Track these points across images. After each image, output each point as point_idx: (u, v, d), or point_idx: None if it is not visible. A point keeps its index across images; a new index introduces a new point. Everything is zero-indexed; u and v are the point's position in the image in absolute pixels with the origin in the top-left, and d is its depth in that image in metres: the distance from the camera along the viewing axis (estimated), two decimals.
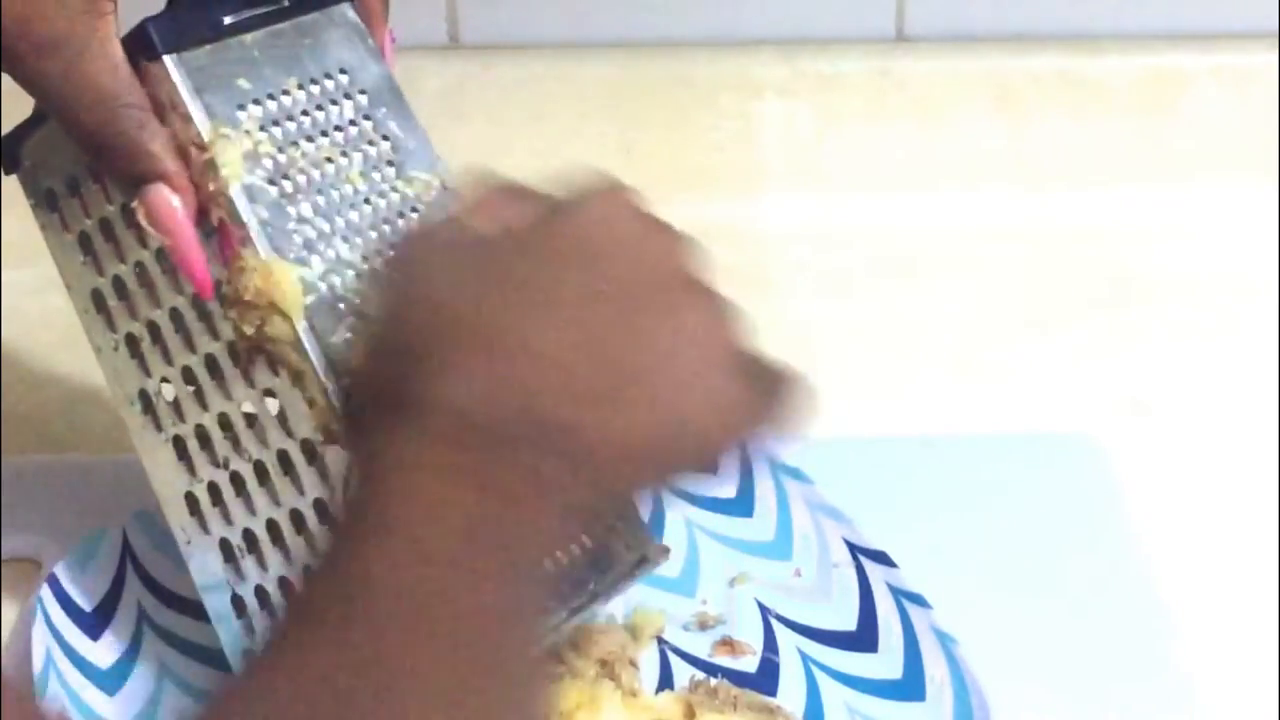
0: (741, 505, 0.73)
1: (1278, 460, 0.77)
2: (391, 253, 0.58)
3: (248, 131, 0.59)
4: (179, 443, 0.63)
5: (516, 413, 0.49)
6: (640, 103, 0.96)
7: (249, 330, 0.59)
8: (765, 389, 0.55)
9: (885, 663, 0.67)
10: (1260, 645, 0.68)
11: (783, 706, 0.65)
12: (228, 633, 0.64)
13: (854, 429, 0.79)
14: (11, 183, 0.93)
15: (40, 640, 0.66)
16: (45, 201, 0.64)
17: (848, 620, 0.69)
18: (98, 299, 0.64)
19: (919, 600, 0.67)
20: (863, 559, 0.70)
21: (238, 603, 0.63)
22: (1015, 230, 0.94)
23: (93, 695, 0.66)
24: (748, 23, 0.98)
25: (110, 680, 0.67)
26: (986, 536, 0.73)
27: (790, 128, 0.97)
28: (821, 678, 0.67)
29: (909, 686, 0.66)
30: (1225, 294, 0.89)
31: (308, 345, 0.59)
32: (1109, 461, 0.77)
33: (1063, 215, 0.95)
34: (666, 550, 0.64)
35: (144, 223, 0.59)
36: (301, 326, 0.59)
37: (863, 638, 0.68)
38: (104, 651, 0.68)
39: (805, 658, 0.68)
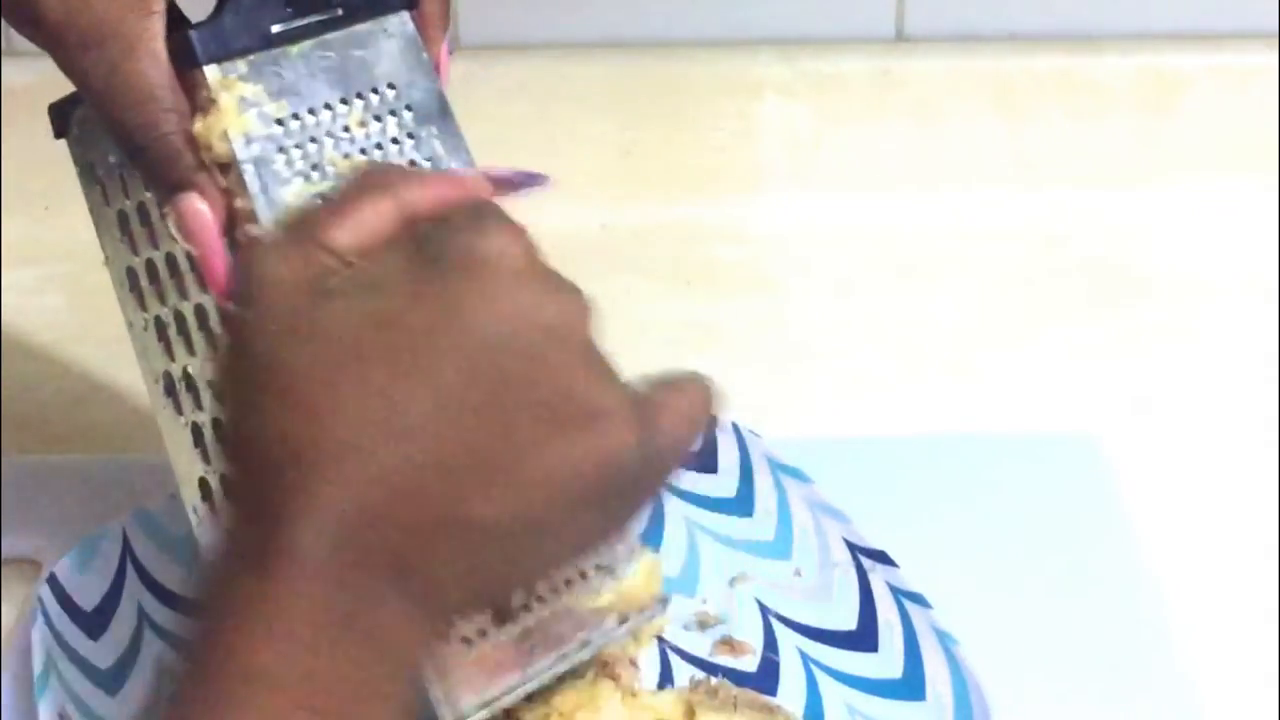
0: (741, 505, 0.73)
1: (1278, 460, 0.77)
2: (249, 262, 0.51)
3: (281, 149, 0.58)
4: (196, 430, 0.63)
5: (359, 558, 0.46)
6: (640, 103, 0.96)
7: None
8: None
9: (885, 663, 0.67)
10: (1260, 645, 0.68)
11: (783, 706, 0.65)
12: None
13: (854, 429, 0.79)
14: (11, 183, 0.93)
15: (40, 640, 0.66)
16: (89, 173, 0.64)
17: (848, 620, 0.69)
18: (131, 277, 0.63)
19: (919, 600, 0.67)
20: (863, 559, 0.69)
21: None
22: (1015, 230, 0.94)
23: (93, 695, 0.66)
24: (748, 23, 0.98)
25: (110, 680, 0.67)
26: (986, 536, 0.73)
27: (790, 128, 0.97)
28: (821, 677, 0.67)
29: (909, 686, 0.66)
30: (1225, 294, 0.89)
31: None
32: (1109, 461, 0.77)
33: (1063, 215, 0.95)
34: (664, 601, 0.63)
35: (174, 230, 0.58)
36: None
37: (863, 637, 0.68)
38: (104, 651, 0.68)
39: (805, 657, 0.68)
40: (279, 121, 0.58)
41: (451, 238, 0.49)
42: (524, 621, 0.59)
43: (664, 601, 0.62)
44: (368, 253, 0.49)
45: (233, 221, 0.58)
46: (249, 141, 0.58)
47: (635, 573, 0.61)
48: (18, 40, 0.90)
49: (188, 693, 0.46)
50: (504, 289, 0.48)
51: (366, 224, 0.50)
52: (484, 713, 0.58)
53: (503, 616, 0.57)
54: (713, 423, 0.51)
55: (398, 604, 0.46)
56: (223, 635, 0.46)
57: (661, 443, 0.50)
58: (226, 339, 0.50)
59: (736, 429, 0.74)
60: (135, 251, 0.63)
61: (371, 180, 0.51)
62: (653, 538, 0.70)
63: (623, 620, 0.60)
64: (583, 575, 0.60)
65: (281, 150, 0.58)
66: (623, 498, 0.50)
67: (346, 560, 0.46)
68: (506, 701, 0.59)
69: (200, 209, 0.57)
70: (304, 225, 0.50)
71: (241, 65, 0.58)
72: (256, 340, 0.48)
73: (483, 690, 0.57)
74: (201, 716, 0.45)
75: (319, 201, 0.52)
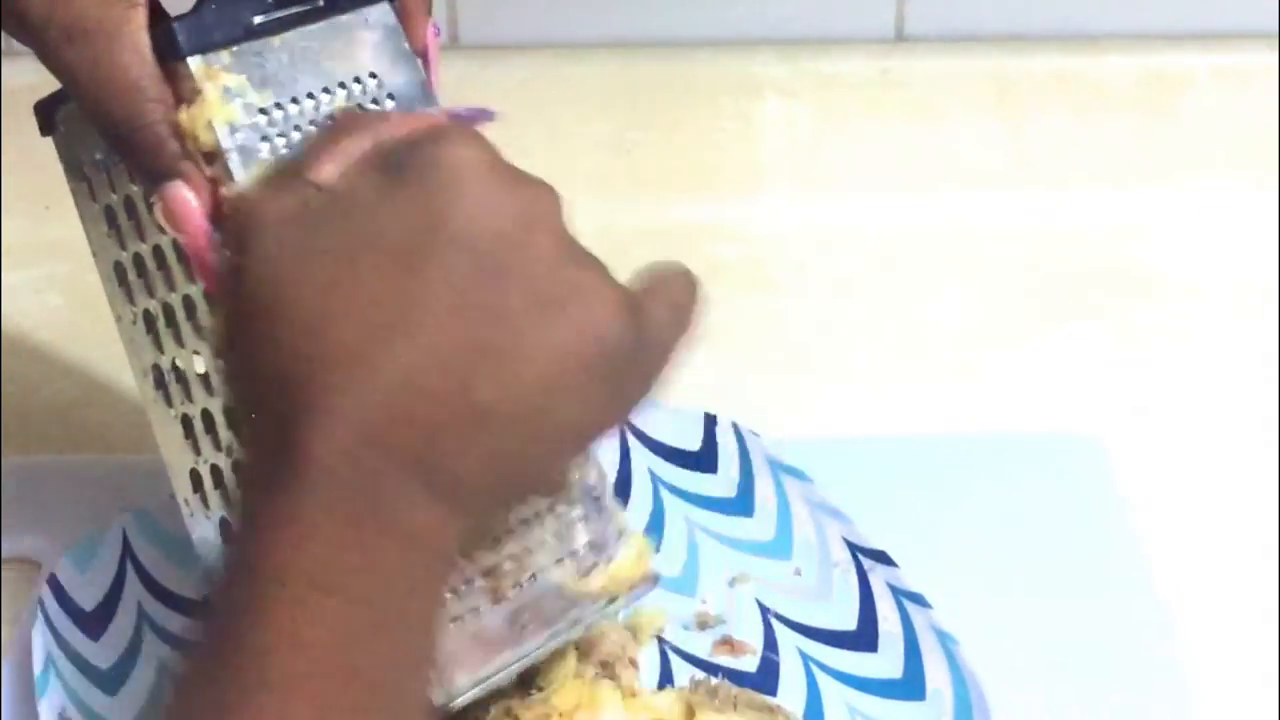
0: (741, 505, 0.73)
1: (1278, 461, 0.77)
2: (239, 210, 0.54)
3: (265, 138, 0.59)
4: (186, 422, 0.63)
5: (382, 461, 0.48)
6: (640, 103, 0.96)
7: None
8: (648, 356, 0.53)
9: (885, 662, 0.67)
10: (1260, 645, 0.68)
11: (783, 706, 0.65)
12: None
13: (854, 429, 0.79)
14: (11, 183, 0.93)
15: (40, 640, 0.66)
16: (75, 169, 0.64)
17: (848, 620, 0.69)
18: (119, 271, 0.64)
19: (919, 600, 0.67)
20: (863, 559, 0.70)
21: None
22: (1015, 230, 0.94)
23: (93, 695, 0.66)
24: (748, 23, 0.98)
25: (110, 680, 0.67)
26: (986, 536, 0.73)
27: (790, 128, 0.97)
28: (821, 677, 0.67)
29: (909, 686, 0.66)
30: (1226, 294, 0.89)
31: None
32: (1109, 462, 0.77)
33: (1063, 215, 0.95)
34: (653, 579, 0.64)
35: (161, 219, 0.59)
36: None
37: (863, 637, 0.68)
38: (104, 651, 0.68)
39: (805, 657, 0.68)
40: (262, 111, 0.59)
41: (417, 150, 0.52)
42: (515, 600, 0.59)
43: (654, 580, 0.64)
44: (346, 179, 0.52)
45: (219, 210, 0.58)
46: (234, 131, 0.58)
47: (625, 552, 0.62)
48: (18, 40, 0.90)
49: (220, 604, 0.48)
50: (471, 187, 0.51)
51: (344, 157, 0.53)
52: (476, 690, 0.59)
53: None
54: (700, 313, 0.54)
55: (427, 502, 0.48)
56: (252, 549, 0.48)
57: (652, 325, 0.52)
58: (226, 282, 0.52)
59: (736, 429, 0.74)
60: (123, 246, 0.63)
61: (346, 122, 0.55)
62: (653, 536, 0.70)
63: (613, 599, 0.62)
64: (573, 554, 0.61)
65: (265, 139, 0.59)
66: (621, 378, 0.52)
67: (367, 463, 0.48)
68: (499, 680, 0.60)
69: (186, 197, 0.58)
70: (287, 167, 0.54)
71: (225, 56, 0.58)
72: (253, 274, 0.51)
73: (476, 669, 0.58)
74: (238, 620, 0.47)
75: (300, 149, 0.55)
